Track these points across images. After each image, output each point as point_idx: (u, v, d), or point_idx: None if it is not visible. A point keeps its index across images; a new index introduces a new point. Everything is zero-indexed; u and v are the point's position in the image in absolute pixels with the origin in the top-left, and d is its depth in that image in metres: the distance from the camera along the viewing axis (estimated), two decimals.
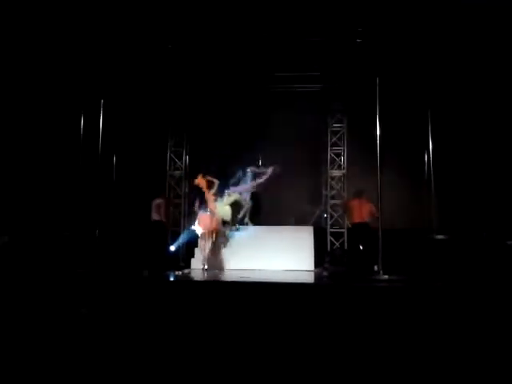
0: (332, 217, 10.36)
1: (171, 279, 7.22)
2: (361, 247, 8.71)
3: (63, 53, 9.10)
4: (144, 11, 8.20)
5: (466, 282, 6.40)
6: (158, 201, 9.42)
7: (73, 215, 9.44)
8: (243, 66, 9.71)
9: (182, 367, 3.87)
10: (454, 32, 8.11)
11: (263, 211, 10.31)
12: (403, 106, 9.58)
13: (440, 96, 9.33)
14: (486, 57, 8.57)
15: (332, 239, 10.24)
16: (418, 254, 8.26)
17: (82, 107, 9.62)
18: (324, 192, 10.62)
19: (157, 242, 9.24)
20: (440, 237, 8.58)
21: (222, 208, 9.04)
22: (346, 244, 10.08)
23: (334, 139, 10.56)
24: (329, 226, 10.34)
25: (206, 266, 8.70)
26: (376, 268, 7.68)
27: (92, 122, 9.44)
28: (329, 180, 10.48)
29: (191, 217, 9.99)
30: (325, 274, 8.62)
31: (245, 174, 9.76)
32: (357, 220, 8.80)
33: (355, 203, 8.94)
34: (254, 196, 9.89)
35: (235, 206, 9.39)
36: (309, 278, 7.85)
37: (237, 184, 9.62)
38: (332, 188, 10.47)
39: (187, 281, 7.22)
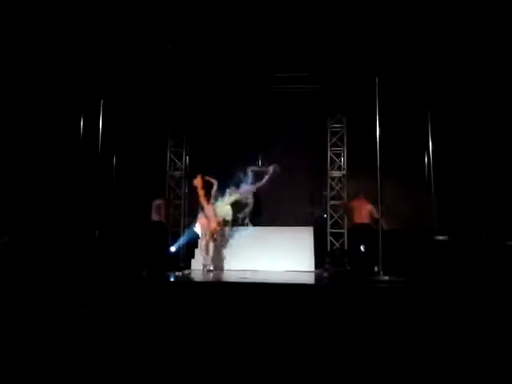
0: (332, 217, 10.35)
1: (171, 280, 7.21)
2: (362, 248, 8.71)
3: (63, 53, 9.09)
4: (144, 11, 8.20)
5: (467, 282, 6.39)
6: (157, 201, 9.42)
7: (73, 216, 9.43)
8: (243, 66, 9.71)
9: (182, 368, 3.87)
10: (454, 32, 8.11)
11: (263, 212, 10.30)
12: (403, 106, 9.57)
13: (440, 96, 9.33)
14: (486, 57, 8.57)
15: (332, 240, 10.23)
16: (418, 255, 8.26)
17: (81, 108, 9.61)
18: (324, 193, 10.61)
19: (157, 242, 9.24)
20: (440, 237, 8.57)
21: (222, 208, 9.04)
22: (346, 245, 10.08)
23: (334, 140, 10.56)
24: (329, 227, 10.33)
25: (210, 267, 8.71)
26: (376, 269, 7.67)
27: (92, 123, 9.43)
28: (329, 181, 10.48)
29: (191, 217, 10.00)
30: (325, 274, 8.61)
31: (246, 174, 9.76)
32: (357, 221, 8.81)
33: (355, 204, 8.95)
34: (255, 196, 9.88)
35: (236, 205, 9.39)
36: (309, 279, 7.84)
37: (238, 184, 9.63)
38: (332, 189, 10.46)
39: (187, 281, 7.20)
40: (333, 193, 10.44)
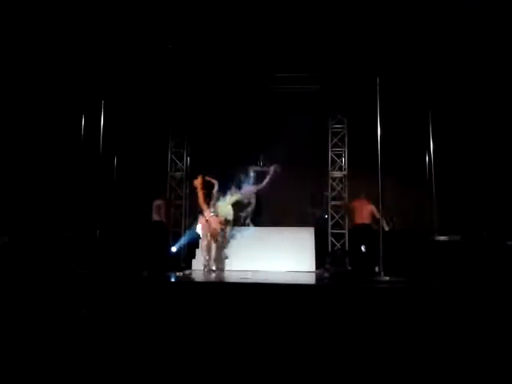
0: (333, 218, 10.35)
1: (172, 280, 7.20)
2: (363, 249, 8.71)
3: (64, 53, 9.10)
4: (144, 11, 8.20)
5: (467, 283, 6.38)
6: (158, 202, 9.43)
7: (73, 216, 9.44)
8: (243, 66, 9.71)
9: (182, 368, 3.86)
10: (455, 32, 8.11)
11: (264, 212, 10.30)
12: (404, 106, 9.58)
13: (441, 96, 9.33)
14: (486, 57, 8.57)
15: (333, 240, 10.24)
16: (419, 255, 8.25)
17: (82, 108, 9.61)
18: (325, 193, 10.62)
19: (157, 242, 9.24)
20: (441, 238, 8.56)
21: (224, 207, 9.05)
22: (346, 245, 10.08)
23: (335, 140, 10.57)
24: (330, 227, 10.34)
25: (212, 267, 8.72)
26: (377, 269, 7.66)
27: (93, 123, 9.43)
28: (330, 181, 10.48)
29: (192, 218, 10.01)
30: (326, 274, 8.62)
31: (247, 174, 9.78)
32: (358, 221, 8.81)
33: (356, 204, 8.95)
34: (256, 197, 9.91)
35: (237, 205, 9.40)
36: (310, 279, 7.83)
37: (239, 184, 9.63)
38: (333, 189, 10.47)
39: (188, 282, 7.20)
40: (334, 193, 10.45)
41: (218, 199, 9.09)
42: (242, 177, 9.89)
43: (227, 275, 8.18)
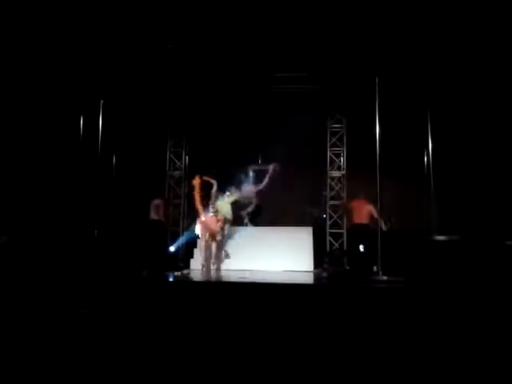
0: (331, 217, 10.36)
1: (170, 279, 7.21)
2: (361, 248, 8.72)
3: (63, 54, 9.09)
4: (144, 11, 8.20)
5: (466, 282, 6.40)
6: (156, 201, 9.43)
7: (72, 215, 9.44)
8: (242, 66, 9.70)
9: (181, 367, 3.87)
10: (454, 32, 8.11)
11: (263, 212, 10.31)
12: (403, 106, 9.58)
13: (439, 96, 9.33)
14: (485, 57, 8.57)
15: (331, 240, 10.24)
16: (417, 255, 8.26)
17: (81, 108, 9.62)
18: (323, 193, 10.62)
19: (155, 241, 9.24)
20: (439, 237, 8.58)
21: (223, 206, 9.06)
22: (345, 245, 10.09)
23: (334, 140, 10.57)
24: (328, 227, 10.34)
25: (212, 267, 8.73)
26: (375, 269, 7.67)
27: (91, 123, 9.44)
28: (328, 181, 10.49)
29: (191, 218, 10.01)
30: (324, 274, 8.62)
31: (247, 173, 9.80)
32: (356, 221, 8.82)
33: (355, 204, 8.95)
34: (256, 198, 9.94)
35: (236, 205, 9.41)
36: (308, 279, 7.84)
37: (238, 184, 9.66)
38: (331, 189, 10.47)
39: (186, 281, 7.21)
40: (332, 193, 10.46)
41: (216, 198, 9.10)
42: (241, 176, 9.90)
43: (225, 275, 8.19)
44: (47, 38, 8.69)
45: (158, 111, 10.76)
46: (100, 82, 9.64)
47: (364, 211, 8.69)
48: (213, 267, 8.77)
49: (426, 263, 7.97)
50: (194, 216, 9.43)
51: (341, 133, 10.56)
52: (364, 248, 8.72)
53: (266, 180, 9.68)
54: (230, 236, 9.42)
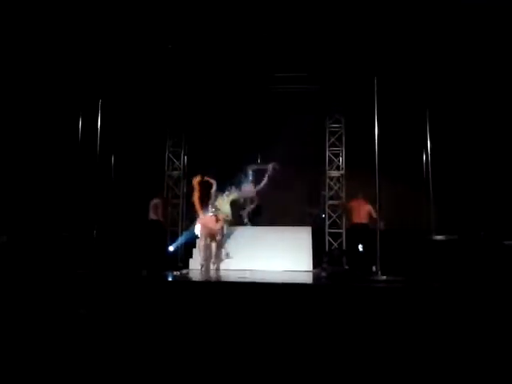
0: (330, 217, 10.37)
1: (169, 279, 7.22)
2: (360, 248, 8.73)
3: (62, 53, 9.08)
4: (144, 11, 8.19)
5: (464, 282, 6.41)
6: (155, 201, 9.42)
7: (71, 215, 9.43)
8: (242, 66, 9.70)
9: (180, 367, 3.87)
10: (453, 32, 8.11)
11: (262, 212, 10.31)
12: (401, 106, 9.59)
13: (438, 96, 9.34)
14: (484, 57, 8.58)
15: (330, 239, 10.25)
16: (416, 255, 8.27)
17: (80, 107, 9.61)
18: (322, 192, 10.62)
19: (154, 241, 9.24)
20: (438, 237, 8.59)
21: (223, 206, 9.07)
22: (344, 244, 10.09)
23: (333, 140, 10.57)
24: (327, 227, 10.35)
25: (212, 266, 8.74)
26: (374, 268, 7.69)
27: (90, 123, 9.43)
28: (327, 180, 10.49)
29: (190, 218, 10.02)
30: (323, 274, 8.63)
31: (246, 173, 9.81)
32: (355, 221, 8.83)
33: (354, 204, 8.97)
34: (257, 198, 9.96)
35: (235, 204, 9.42)
36: (307, 279, 7.85)
37: (237, 184, 9.67)
38: (330, 188, 10.48)
39: (185, 281, 7.21)
40: (331, 192, 10.46)
41: (216, 198, 9.12)
42: (241, 176, 9.91)
43: (225, 274, 8.19)
44: (46, 37, 8.68)
45: (157, 111, 10.76)
46: (99, 82, 9.63)
47: (363, 211, 8.70)
48: (213, 267, 8.78)
49: (424, 263, 7.99)
50: (192, 216, 9.43)
51: (340, 133, 10.57)
52: (363, 248, 8.73)
53: (266, 179, 9.70)
54: (229, 236, 9.43)
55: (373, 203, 8.15)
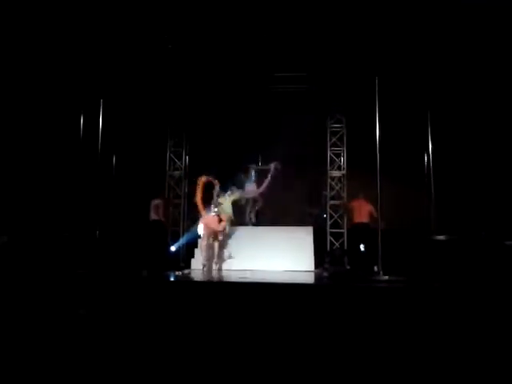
0: (332, 217, 10.36)
1: (171, 279, 7.21)
2: (362, 248, 8.72)
3: (63, 52, 9.08)
4: (144, 11, 8.20)
5: (466, 282, 6.40)
6: (156, 201, 9.43)
7: (72, 216, 9.43)
8: (243, 66, 9.70)
9: (181, 367, 3.87)
10: (454, 32, 8.11)
11: (263, 212, 10.31)
12: (403, 106, 9.58)
13: (440, 97, 9.33)
14: (485, 58, 8.57)
15: (332, 239, 10.24)
16: (417, 255, 8.27)
17: (81, 107, 9.60)
18: (324, 192, 10.62)
19: (156, 241, 9.25)
20: (439, 237, 8.58)
21: (225, 206, 9.08)
22: (345, 244, 10.09)
23: (334, 140, 10.57)
24: (329, 227, 10.34)
25: (214, 266, 8.75)
26: (376, 268, 7.68)
27: (92, 122, 9.43)
28: (328, 180, 10.49)
29: (191, 218, 10.02)
30: (325, 274, 8.63)
31: (248, 173, 9.82)
32: (357, 220, 8.83)
33: (355, 204, 8.97)
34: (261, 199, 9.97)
35: (236, 204, 9.43)
36: (309, 279, 7.84)
37: (241, 184, 9.68)
38: (332, 188, 10.47)
39: (187, 281, 7.21)
40: (332, 193, 10.46)
41: (218, 198, 9.14)
42: (243, 176, 9.92)
43: (226, 274, 8.19)
44: (48, 37, 8.68)
45: (158, 111, 10.76)
46: (100, 82, 9.63)
47: (364, 211, 8.70)
48: (215, 267, 8.78)
49: (426, 263, 7.98)
50: (194, 216, 9.43)
51: (341, 133, 10.57)
52: (364, 248, 8.73)
53: (268, 179, 9.71)
54: (231, 236, 9.43)
55: (374, 203, 8.14)
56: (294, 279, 7.18)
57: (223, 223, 8.80)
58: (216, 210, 8.85)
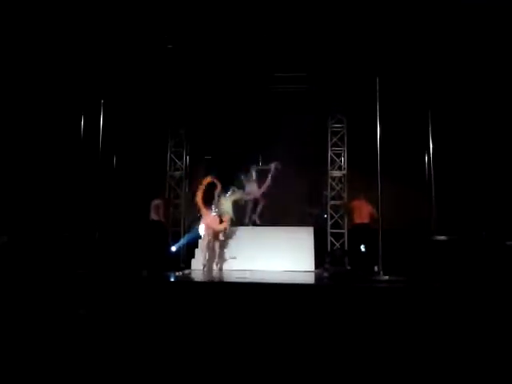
0: (332, 217, 10.35)
1: (171, 280, 7.21)
2: (362, 248, 8.72)
3: (63, 53, 9.09)
4: (144, 11, 8.20)
5: (466, 282, 6.40)
6: (156, 201, 9.42)
7: (73, 216, 9.43)
8: (243, 66, 9.70)
9: (181, 368, 3.87)
10: (455, 32, 8.10)
11: (263, 212, 10.31)
12: (403, 106, 9.57)
13: (440, 96, 9.32)
14: (486, 57, 8.56)
15: (332, 240, 10.24)
16: (418, 255, 8.26)
17: (82, 108, 9.61)
18: (324, 193, 10.62)
19: (156, 242, 9.24)
20: (440, 238, 8.57)
21: (225, 205, 9.09)
22: (346, 245, 10.08)
23: (335, 140, 10.56)
24: (329, 227, 10.33)
25: (215, 267, 8.75)
26: (376, 269, 7.68)
27: (92, 123, 9.43)
28: (329, 181, 10.48)
29: (192, 218, 10.02)
30: (325, 274, 8.63)
31: (249, 173, 9.82)
32: (357, 221, 8.82)
33: (356, 204, 8.96)
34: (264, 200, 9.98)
35: (236, 204, 9.43)
36: (309, 279, 7.85)
37: (241, 183, 9.68)
38: (332, 189, 10.46)
39: (187, 281, 7.21)
40: (333, 193, 10.45)
41: (219, 198, 9.14)
42: (243, 176, 9.92)
43: (226, 275, 8.19)
44: (48, 37, 8.69)
45: (159, 111, 10.76)
46: (101, 82, 9.63)
47: (365, 211, 8.69)
48: (216, 267, 8.78)
49: (426, 263, 7.97)
50: (195, 216, 9.44)
51: (342, 133, 10.56)
52: (365, 248, 8.72)
53: (269, 179, 9.71)
54: (231, 236, 9.43)
55: (374, 203, 8.13)
56: (294, 279, 7.18)
57: (224, 223, 8.80)
58: (217, 210, 8.86)
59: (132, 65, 9.50)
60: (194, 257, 9.40)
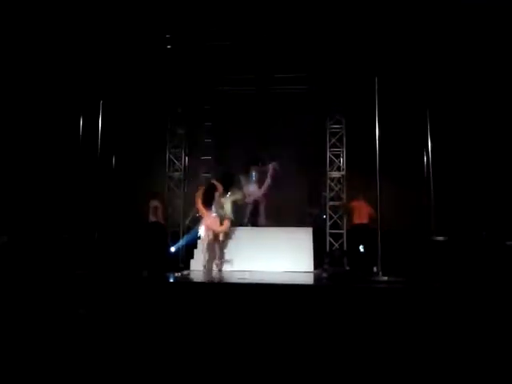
0: (331, 218, 10.35)
1: (171, 280, 7.21)
2: (361, 249, 8.72)
3: (62, 53, 9.10)
4: (143, 11, 8.20)
5: (466, 283, 6.40)
6: (154, 203, 9.41)
7: (72, 217, 9.43)
8: (242, 66, 9.71)
9: (181, 368, 3.87)
10: (453, 32, 8.12)
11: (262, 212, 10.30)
12: (402, 106, 9.57)
13: (439, 96, 9.33)
14: (485, 56, 8.58)
15: (331, 240, 10.23)
16: (417, 256, 8.26)
17: (81, 108, 9.61)
18: (323, 193, 10.61)
19: (155, 243, 9.23)
20: (439, 238, 8.57)
21: (225, 206, 9.09)
22: (345, 245, 10.08)
23: (333, 140, 10.55)
24: (328, 227, 10.33)
25: (214, 267, 8.74)
26: (375, 269, 7.68)
27: (91, 124, 9.43)
28: (328, 181, 10.47)
29: (191, 218, 10.02)
30: (324, 275, 8.61)
31: (249, 174, 9.82)
32: (356, 221, 8.82)
33: (355, 205, 8.97)
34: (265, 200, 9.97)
35: (236, 204, 9.42)
36: (308, 279, 7.84)
37: (240, 184, 9.69)
38: (331, 189, 10.45)
39: (187, 282, 7.20)
40: (332, 193, 10.43)
41: (219, 199, 9.13)
42: (243, 177, 9.92)
43: (226, 276, 8.18)
44: (47, 38, 8.69)
45: (158, 112, 10.75)
46: (99, 83, 9.63)
47: (364, 212, 8.70)
48: (215, 268, 8.77)
49: (425, 263, 7.97)
50: (194, 217, 9.43)
51: (340, 133, 10.55)
52: (364, 248, 8.73)
53: (269, 180, 9.69)
54: (230, 237, 9.42)
55: (373, 203, 8.13)
56: (293, 280, 7.17)
57: (225, 224, 8.80)
58: (216, 210, 8.85)
59: (131, 65, 9.51)
60: (193, 257, 9.38)
